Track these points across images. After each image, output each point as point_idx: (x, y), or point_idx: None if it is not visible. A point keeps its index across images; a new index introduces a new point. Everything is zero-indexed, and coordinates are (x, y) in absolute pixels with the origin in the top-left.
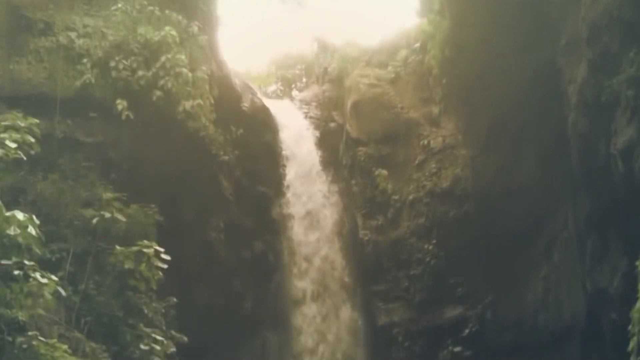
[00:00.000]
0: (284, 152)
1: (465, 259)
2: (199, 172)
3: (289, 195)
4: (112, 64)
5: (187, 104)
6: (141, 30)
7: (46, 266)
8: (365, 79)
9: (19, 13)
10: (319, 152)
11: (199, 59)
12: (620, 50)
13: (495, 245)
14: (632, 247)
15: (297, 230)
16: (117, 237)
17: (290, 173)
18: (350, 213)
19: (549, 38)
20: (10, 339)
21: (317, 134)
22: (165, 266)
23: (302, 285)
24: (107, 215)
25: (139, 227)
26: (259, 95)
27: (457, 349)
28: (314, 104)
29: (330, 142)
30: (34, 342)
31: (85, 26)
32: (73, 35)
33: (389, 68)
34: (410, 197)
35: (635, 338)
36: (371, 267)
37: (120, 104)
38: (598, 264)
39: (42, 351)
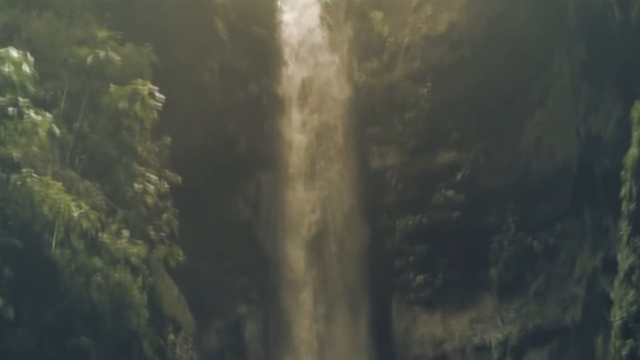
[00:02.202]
0: None
1: (460, 104)
2: (193, 12)
3: (285, 35)
4: None
5: None
6: None
7: (40, 104)
8: None
9: None
10: None
11: None
12: None
13: (489, 91)
14: (627, 93)
15: (293, 72)
16: (112, 76)
17: (286, 15)
18: (346, 56)
19: None
20: (4, 176)
21: None
22: (159, 105)
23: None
24: (102, 54)
25: (134, 66)
26: None
27: (450, 193)
28: None
29: None
30: (28, 180)
31: None
32: None
33: None
34: (406, 41)
35: (627, 184)
36: (366, 111)
37: None
38: (592, 110)
39: (36, 188)
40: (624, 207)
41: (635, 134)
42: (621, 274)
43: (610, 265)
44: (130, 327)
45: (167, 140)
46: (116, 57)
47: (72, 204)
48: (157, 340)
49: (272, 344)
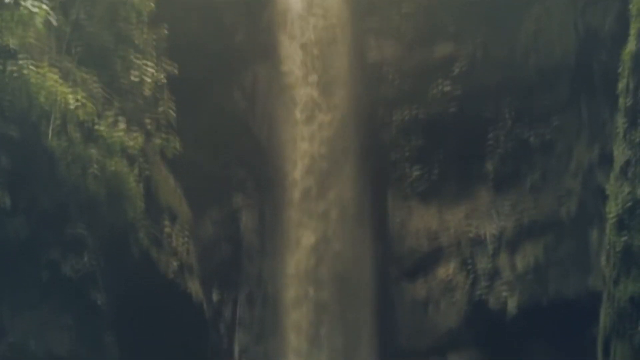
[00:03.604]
0: None
1: None
2: None
3: None
4: None
5: None
6: None
7: None
8: None
9: None
10: None
11: None
12: None
13: None
14: None
15: None
16: None
17: None
18: None
19: None
20: (0, 66)
21: None
22: None
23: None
24: None
25: None
26: None
27: (447, 87)
28: None
29: None
30: (25, 71)
31: None
32: None
33: None
34: None
35: (624, 80)
36: (363, 2)
37: None
38: (590, 4)
39: (33, 80)
40: (621, 102)
41: (633, 29)
42: (617, 169)
43: (606, 160)
44: (126, 218)
45: (164, 31)
46: None
47: (70, 96)
48: (153, 231)
49: (268, 235)
